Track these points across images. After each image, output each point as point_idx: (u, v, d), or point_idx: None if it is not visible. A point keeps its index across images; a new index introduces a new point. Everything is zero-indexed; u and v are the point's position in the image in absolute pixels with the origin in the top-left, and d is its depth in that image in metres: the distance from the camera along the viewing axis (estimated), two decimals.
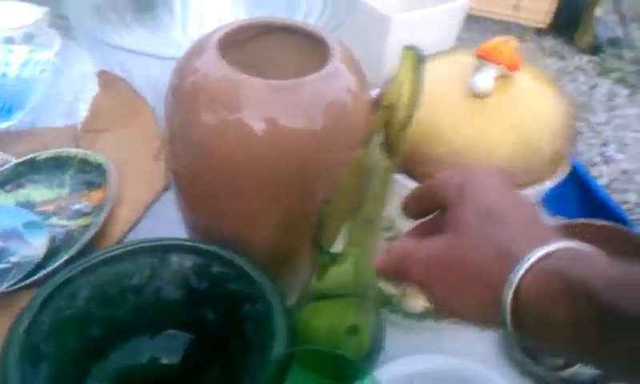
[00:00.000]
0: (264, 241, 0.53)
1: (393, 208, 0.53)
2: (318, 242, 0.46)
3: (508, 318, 0.30)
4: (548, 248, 0.30)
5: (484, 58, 0.51)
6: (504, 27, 2.57)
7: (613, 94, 2.39)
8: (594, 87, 2.41)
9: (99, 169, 0.67)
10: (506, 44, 0.51)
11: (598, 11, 2.42)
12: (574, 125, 0.54)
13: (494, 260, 0.31)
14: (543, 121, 0.52)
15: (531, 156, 0.50)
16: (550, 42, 2.61)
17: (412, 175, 0.51)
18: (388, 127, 0.40)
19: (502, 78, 0.52)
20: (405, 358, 0.53)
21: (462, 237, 0.33)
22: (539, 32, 2.60)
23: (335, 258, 0.46)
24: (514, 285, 0.29)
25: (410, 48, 0.37)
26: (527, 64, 0.54)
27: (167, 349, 0.49)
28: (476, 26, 2.47)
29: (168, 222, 0.58)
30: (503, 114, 0.51)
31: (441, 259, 0.33)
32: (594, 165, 2.09)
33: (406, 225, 0.51)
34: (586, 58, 2.54)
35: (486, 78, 0.50)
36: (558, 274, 0.28)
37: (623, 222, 0.81)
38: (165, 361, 0.49)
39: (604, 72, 2.49)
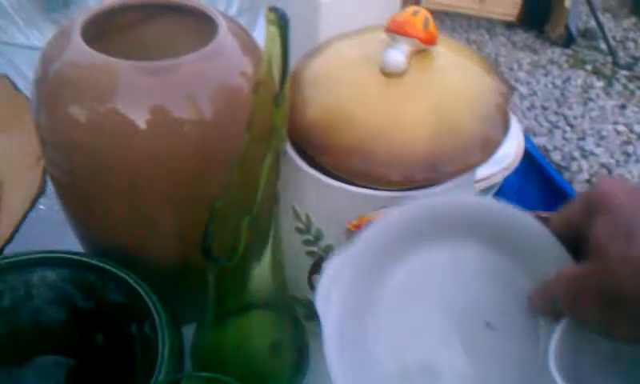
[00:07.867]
0: (161, 252, 0.47)
1: (319, 215, 0.46)
2: (209, 250, 0.39)
3: None
4: None
5: (395, 33, 0.45)
6: (474, 22, 2.52)
7: (588, 86, 2.34)
8: (567, 80, 2.36)
9: None
10: (416, 15, 0.45)
11: (567, 2, 2.37)
12: (505, 104, 0.48)
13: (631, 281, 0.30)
14: (467, 99, 0.46)
15: (454, 140, 0.44)
16: (521, 36, 2.56)
17: (323, 169, 0.45)
18: (263, 107, 0.34)
19: (418, 54, 0.46)
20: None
21: (597, 261, 0.32)
22: (509, 26, 2.55)
23: (231, 267, 0.39)
24: None
25: (273, 10, 0.31)
26: (446, 37, 0.48)
27: (44, 378, 0.43)
28: (441, 24, 2.42)
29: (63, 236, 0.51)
30: (420, 93, 0.45)
31: (584, 288, 0.32)
32: (573, 159, 2.04)
33: (335, 233, 0.45)
34: (558, 50, 2.49)
35: (397, 54, 0.44)
36: None
37: None
38: None
39: (578, 64, 2.45)
